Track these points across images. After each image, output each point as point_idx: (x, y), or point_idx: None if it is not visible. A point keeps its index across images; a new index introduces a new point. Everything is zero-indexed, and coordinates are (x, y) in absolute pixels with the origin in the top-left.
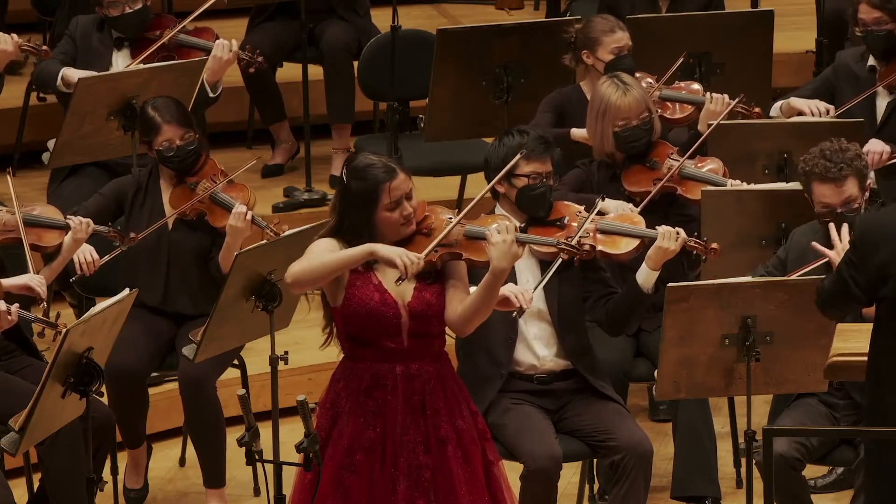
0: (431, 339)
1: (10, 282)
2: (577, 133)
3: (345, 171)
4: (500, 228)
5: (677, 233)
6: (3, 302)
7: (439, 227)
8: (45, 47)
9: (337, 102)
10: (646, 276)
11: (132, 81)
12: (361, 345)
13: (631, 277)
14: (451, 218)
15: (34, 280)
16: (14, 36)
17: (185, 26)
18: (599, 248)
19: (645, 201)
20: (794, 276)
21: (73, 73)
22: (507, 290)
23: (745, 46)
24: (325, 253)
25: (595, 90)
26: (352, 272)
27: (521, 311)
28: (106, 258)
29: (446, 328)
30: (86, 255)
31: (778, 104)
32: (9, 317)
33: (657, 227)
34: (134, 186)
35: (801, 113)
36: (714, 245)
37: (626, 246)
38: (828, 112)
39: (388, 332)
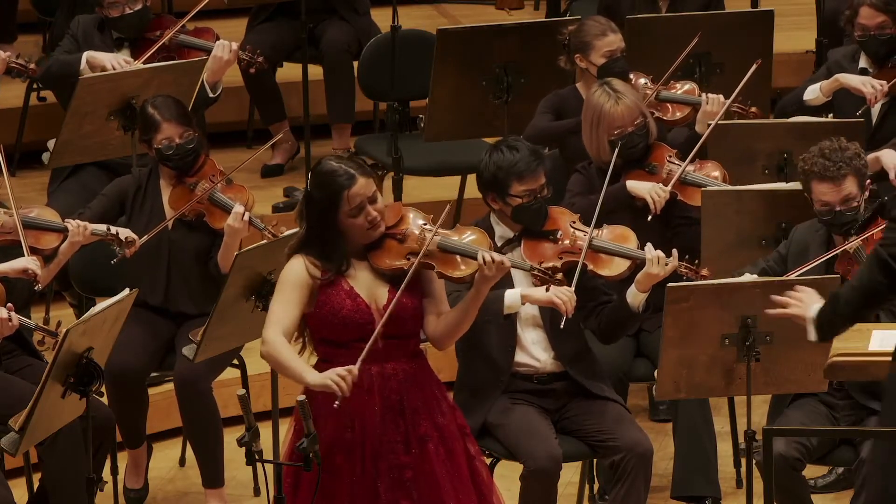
0: (406, 339)
1: (6, 266)
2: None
3: (309, 177)
4: (496, 262)
5: (666, 261)
6: (3, 309)
7: (413, 236)
8: (32, 66)
9: (337, 102)
10: (634, 296)
11: (132, 81)
12: (336, 347)
13: (624, 290)
14: (425, 225)
15: (30, 262)
16: (0, 53)
17: (185, 26)
18: (591, 268)
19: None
20: (793, 276)
21: (99, 56)
22: (551, 294)
23: (745, 46)
24: (285, 348)
25: (587, 99)
26: (322, 283)
27: (566, 320)
28: (145, 238)
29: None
30: (128, 234)
31: (816, 85)
32: (10, 323)
33: (647, 250)
34: (134, 186)
35: (849, 89)
36: (704, 271)
37: (616, 268)
38: (882, 87)
39: (362, 336)
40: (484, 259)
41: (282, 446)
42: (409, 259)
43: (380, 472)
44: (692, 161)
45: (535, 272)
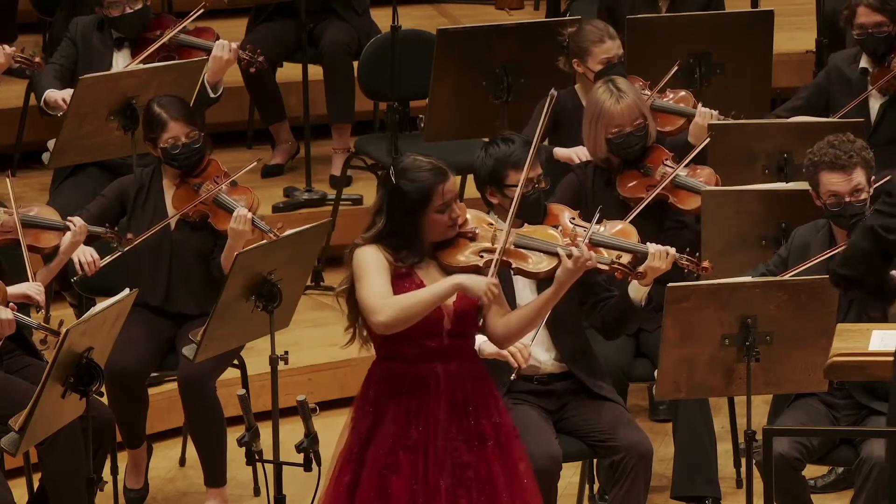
0: (468, 338)
1: (8, 290)
2: (560, 152)
3: (393, 173)
4: (577, 256)
5: (667, 252)
6: (7, 310)
7: (485, 233)
8: (38, 59)
9: (337, 102)
10: (636, 290)
11: (132, 81)
12: (401, 344)
13: (625, 285)
14: (493, 224)
15: (32, 289)
16: (6, 47)
17: (185, 27)
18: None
19: (637, 208)
20: (791, 275)
21: (55, 95)
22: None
23: (745, 46)
24: (405, 295)
25: (590, 95)
26: (395, 274)
27: (518, 370)
28: (107, 259)
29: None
30: (86, 255)
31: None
32: (9, 318)
33: (648, 245)
34: (136, 186)
35: None
36: (706, 263)
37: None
38: None
39: (430, 332)
40: (568, 255)
41: (282, 446)
42: (482, 256)
43: (443, 470)
44: (686, 166)
45: (616, 266)
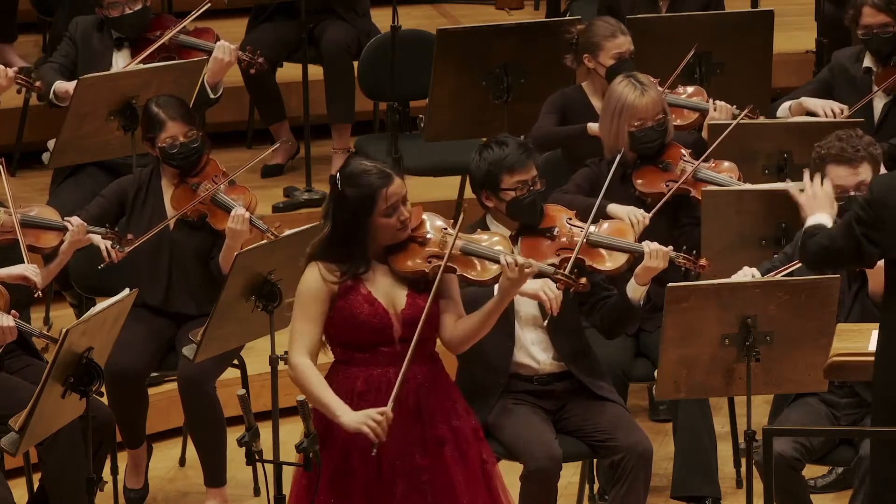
0: (423, 343)
1: (5, 272)
2: (595, 127)
3: (338, 178)
4: (519, 265)
5: (663, 251)
6: (8, 317)
7: (435, 238)
8: (38, 83)
9: (337, 102)
10: (634, 290)
11: (132, 81)
12: (355, 350)
13: (623, 285)
14: (445, 229)
15: (29, 269)
16: (8, 71)
17: (185, 27)
18: (588, 262)
19: (660, 203)
20: (785, 273)
21: (65, 86)
22: (538, 288)
23: (745, 46)
24: (314, 375)
25: (611, 89)
26: (341, 284)
27: (550, 316)
28: (144, 237)
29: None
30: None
31: (787, 104)
32: (10, 325)
33: (644, 244)
34: (135, 186)
35: (812, 114)
36: (703, 262)
37: (615, 262)
38: (842, 112)
39: (381, 340)
40: (507, 262)
41: (282, 446)
42: (430, 262)
43: (397, 474)
44: (706, 160)
45: (559, 276)
